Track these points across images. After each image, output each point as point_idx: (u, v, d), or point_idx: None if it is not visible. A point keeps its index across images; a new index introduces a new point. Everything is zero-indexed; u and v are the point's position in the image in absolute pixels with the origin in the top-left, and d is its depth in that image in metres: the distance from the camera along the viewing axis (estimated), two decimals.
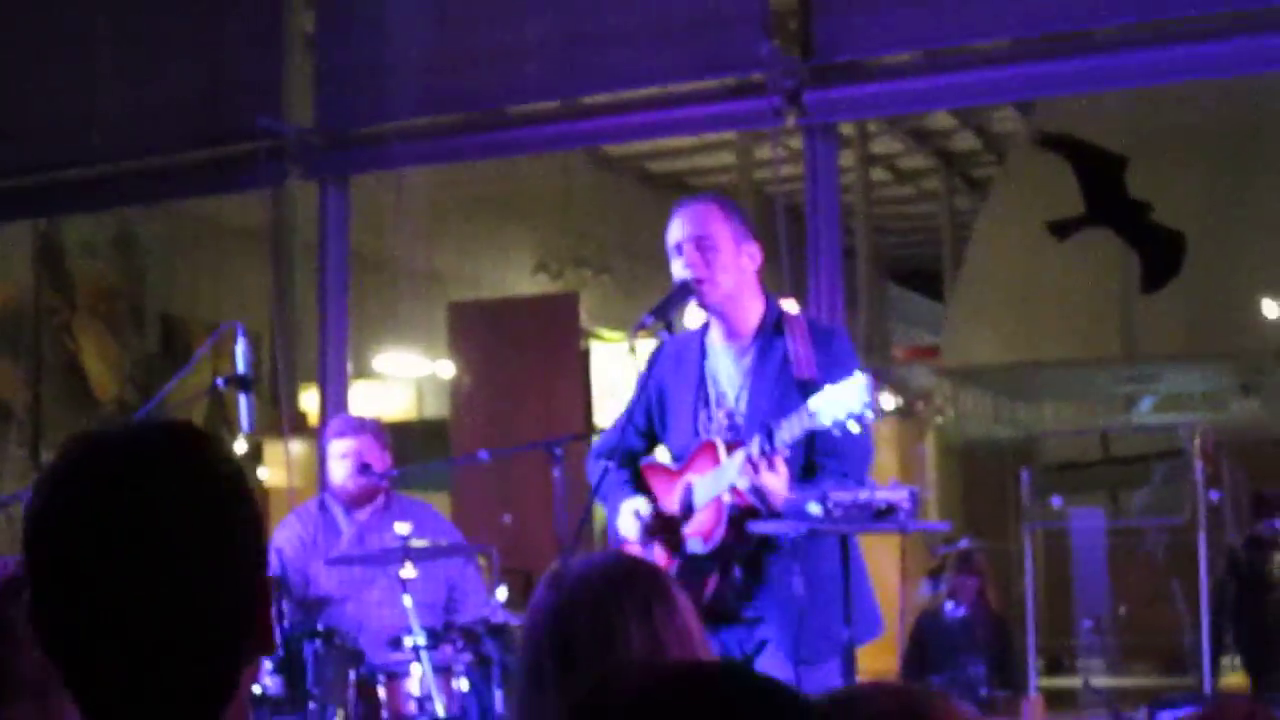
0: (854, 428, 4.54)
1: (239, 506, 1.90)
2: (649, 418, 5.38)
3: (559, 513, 5.77)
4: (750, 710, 1.48)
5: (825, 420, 4.57)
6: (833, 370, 4.74)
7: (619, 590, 2.78)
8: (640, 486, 5.29)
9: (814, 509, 4.59)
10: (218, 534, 1.86)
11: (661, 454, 5.37)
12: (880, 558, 10.98)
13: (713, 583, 4.98)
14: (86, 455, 1.90)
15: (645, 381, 5.35)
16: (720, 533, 4.97)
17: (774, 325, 5.13)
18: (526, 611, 2.87)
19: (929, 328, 19.46)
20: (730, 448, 4.96)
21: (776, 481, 4.77)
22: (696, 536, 5.05)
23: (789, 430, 4.71)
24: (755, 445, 4.78)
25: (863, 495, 4.56)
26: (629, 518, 5.19)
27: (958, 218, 18.23)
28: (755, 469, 4.76)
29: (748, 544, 4.97)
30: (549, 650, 2.77)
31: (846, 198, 11.13)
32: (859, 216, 16.42)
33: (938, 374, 16.80)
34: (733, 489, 4.89)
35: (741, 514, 4.93)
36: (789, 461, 4.82)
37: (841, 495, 4.57)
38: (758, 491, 4.80)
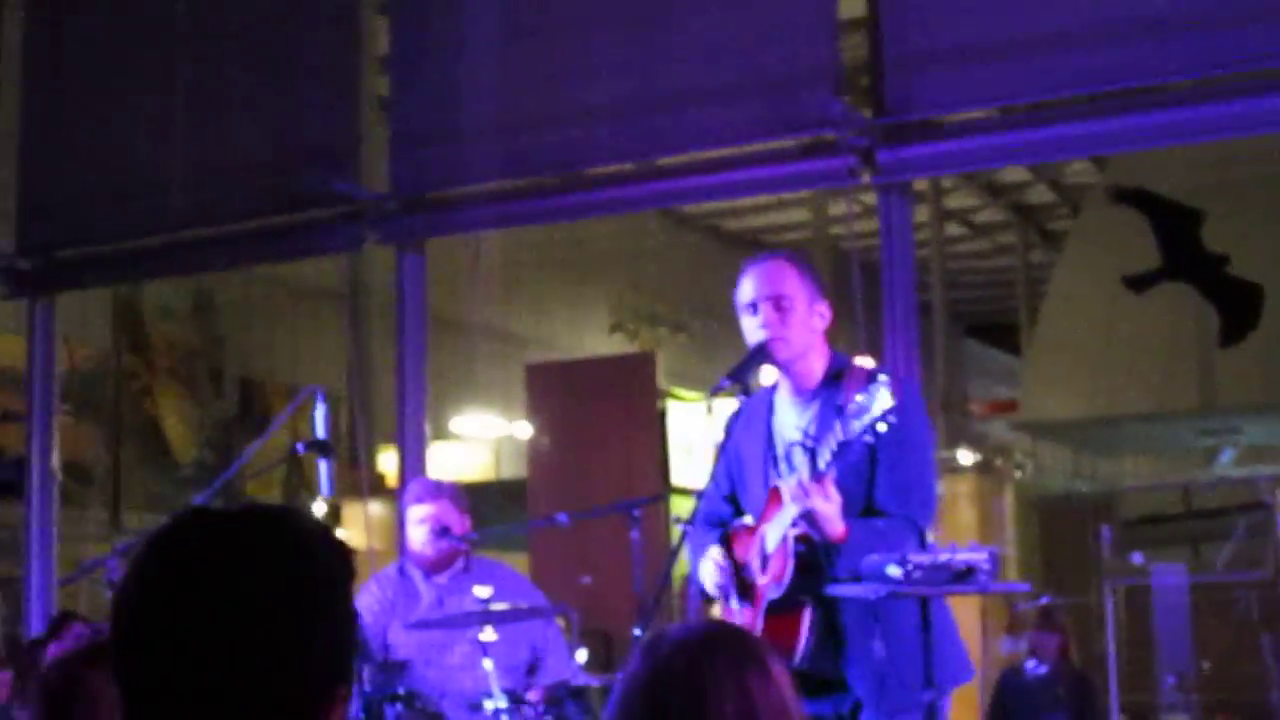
0: (882, 428, 4.57)
1: (325, 599, 1.97)
2: (731, 481, 5.41)
3: (637, 574, 5.78)
4: None
5: (855, 428, 4.61)
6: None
7: (714, 658, 2.79)
8: (729, 552, 5.29)
9: (893, 571, 4.60)
10: (299, 626, 1.93)
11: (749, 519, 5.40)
12: (961, 614, 10.91)
13: (803, 644, 4.97)
14: (180, 534, 1.95)
15: (724, 446, 5.38)
16: (790, 571, 4.97)
17: (835, 376, 5.15)
18: (620, 677, 2.88)
19: (1006, 382, 19.39)
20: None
21: (828, 506, 4.78)
22: (772, 582, 5.05)
23: (827, 447, 4.74)
24: (805, 471, 4.81)
25: (942, 557, 4.56)
26: (709, 564, 5.22)
27: (1033, 271, 18.17)
28: (805, 493, 4.78)
29: (821, 583, 4.95)
30: (640, 717, 2.77)
31: (921, 252, 11.12)
32: (934, 271, 16.40)
33: (1016, 428, 16.75)
34: (792, 521, 4.91)
35: (806, 549, 4.94)
36: (850, 507, 4.83)
37: (921, 557, 4.58)
38: (809, 516, 4.81)
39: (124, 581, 1.96)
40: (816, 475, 4.79)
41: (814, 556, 4.93)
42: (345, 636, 1.99)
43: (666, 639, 2.88)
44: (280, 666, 1.90)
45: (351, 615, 2.02)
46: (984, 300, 20.16)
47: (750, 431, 5.31)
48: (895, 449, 4.88)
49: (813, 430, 5.10)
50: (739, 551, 5.26)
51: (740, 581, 5.19)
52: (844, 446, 4.74)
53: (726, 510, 5.42)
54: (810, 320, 5.18)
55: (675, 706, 2.74)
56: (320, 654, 1.94)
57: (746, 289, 5.21)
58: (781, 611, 5.01)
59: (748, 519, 5.29)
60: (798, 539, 4.93)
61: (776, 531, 5.01)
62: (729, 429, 5.37)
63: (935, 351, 16.16)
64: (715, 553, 5.24)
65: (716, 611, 5.25)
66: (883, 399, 4.59)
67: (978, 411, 17.98)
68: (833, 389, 5.10)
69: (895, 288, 7.97)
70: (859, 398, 4.64)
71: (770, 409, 5.29)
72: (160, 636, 1.91)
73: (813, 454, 4.86)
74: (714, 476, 5.43)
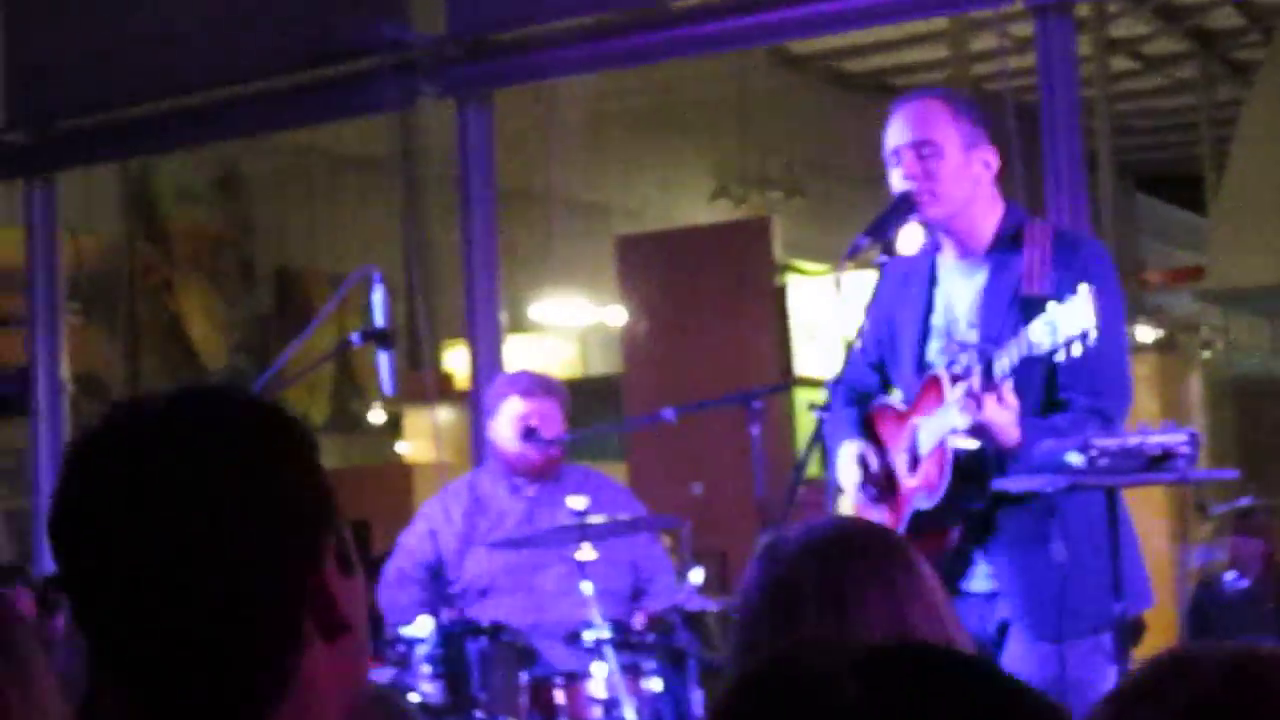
0: (1076, 350, 4.49)
1: (280, 489, 1.96)
2: (880, 349, 5.36)
3: (758, 478, 5.75)
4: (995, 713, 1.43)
5: (1043, 343, 4.53)
6: (1074, 286, 4.67)
7: (853, 558, 2.75)
8: (869, 433, 5.26)
9: (1074, 459, 4.54)
10: (249, 518, 1.92)
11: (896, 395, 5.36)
12: (1141, 519, 10.85)
13: (946, 545, 4.94)
14: (104, 433, 1.97)
15: (872, 308, 5.31)
16: (945, 483, 4.92)
17: (1012, 237, 5.08)
18: (738, 592, 2.86)
19: (1189, 244, 19.22)
20: (955, 380, 4.91)
21: (1004, 415, 4.72)
22: (922, 490, 5.02)
23: (1007, 357, 4.66)
24: (976, 377, 4.73)
25: (1132, 440, 4.50)
26: (849, 463, 5.17)
27: (1219, 111, 17.95)
28: (978, 404, 4.72)
29: (981, 498, 4.92)
30: (768, 630, 2.74)
31: (1085, 92, 11.00)
32: (1099, 115, 16.23)
33: (1202, 299, 16.61)
34: (956, 431, 4.85)
35: (969, 459, 4.88)
36: (1025, 397, 4.77)
37: (1107, 441, 4.52)
38: (981, 429, 4.75)
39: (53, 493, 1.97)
40: (989, 382, 4.71)
41: (978, 466, 4.88)
42: (301, 530, 1.96)
43: (789, 541, 2.84)
44: (215, 556, 1.89)
45: (312, 510, 1.98)
46: (1159, 148, 19.97)
47: (906, 296, 5.25)
48: None
49: (979, 307, 5.03)
50: (884, 435, 5.22)
51: (885, 478, 5.15)
52: (1028, 361, 4.67)
53: (872, 381, 5.39)
54: (969, 170, 5.11)
55: (809, 615, 2.71)
56: (267, 545, 1.92)
57: (890, 135, 5.16)
58: (927, 529, 4.97)
59: (896, 398, 5.25)
60: (962, 451, 4.87)
61: (932, 433, 4.98)
62: (879, 289, 5.29)
63: (1103, 210, 16.02)
64: (856, 447, 5.20)
65: (847, 506, 5.19)
66: (1083, 315, 4.48)
67: (1155, 280, 17.83)
68: (1007, 252, 5.04)
69: (1056, 132, 7.89)
70: (1052, 310, 4.53)
71: (932, 273, 5.23)
72: (74, 559, 1.93)
73: (987, 361, 4.76)
74: (861, 341, 5.37)
